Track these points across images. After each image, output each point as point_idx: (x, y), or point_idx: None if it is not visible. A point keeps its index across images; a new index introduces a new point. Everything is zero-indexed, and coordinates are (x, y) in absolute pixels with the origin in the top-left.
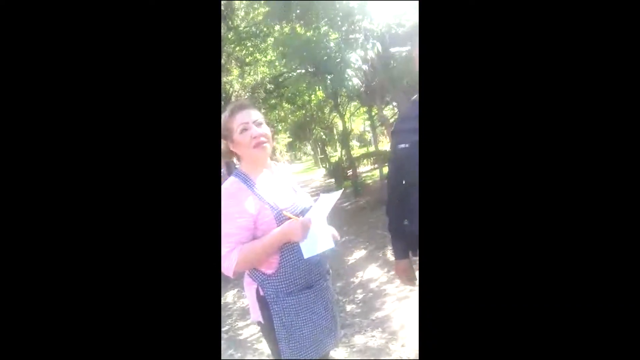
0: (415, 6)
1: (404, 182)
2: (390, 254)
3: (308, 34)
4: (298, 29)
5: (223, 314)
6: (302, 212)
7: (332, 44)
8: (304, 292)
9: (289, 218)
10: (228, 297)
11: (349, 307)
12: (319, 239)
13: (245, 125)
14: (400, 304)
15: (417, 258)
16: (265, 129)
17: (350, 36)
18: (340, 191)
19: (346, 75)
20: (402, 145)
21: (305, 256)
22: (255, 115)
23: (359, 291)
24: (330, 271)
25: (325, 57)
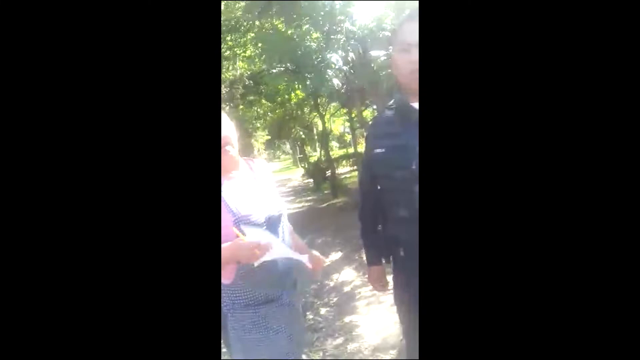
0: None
1: (378, 188)
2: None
3: (289, 31)
4: (279, 26)
5: None
6: (268, 221)
7: (313, 44)
8: (263, 306)
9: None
10: None
11: (323, 310)
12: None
13: None
14: (373, 307)
15: (391, 263)
16: (227, 132)
17: (332, 37)
18: (306, 257)
19: (327, 76)
20: (378, 150)
21: (256, 264)
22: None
23: (333, 294)
24: (298, 288)
25: (306, 56)
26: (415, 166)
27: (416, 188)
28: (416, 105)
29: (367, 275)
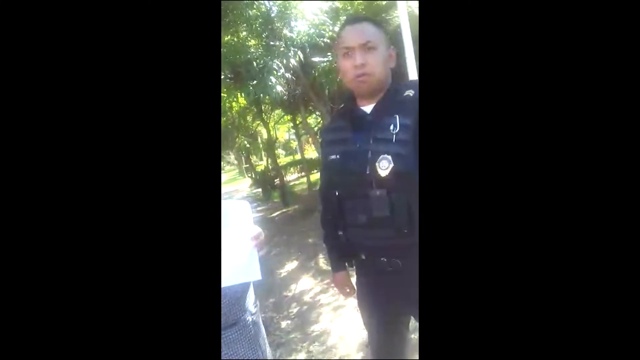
0: (332, 17)
1: (337, 194)
2: (322, 263)
3: (226, 38)
4: None
5: None
6: None
7: (252, 50)
8: (225, 331)
9: None
10: None
11: (283, 324)
12: (239, 265)
13: None
14: (336, 314)
15: (354, 268)
16: None
17: (271, 43)
18: (246, 202)
19: (270, 83)
20: (333, 157)
21: (222, 284)
22: None
23: (293, 305)
24: (258, 303)
25: (248, 63)
26: (369, 171)
27: (372, 193)
28: (366, 108)
29: (326, 281)
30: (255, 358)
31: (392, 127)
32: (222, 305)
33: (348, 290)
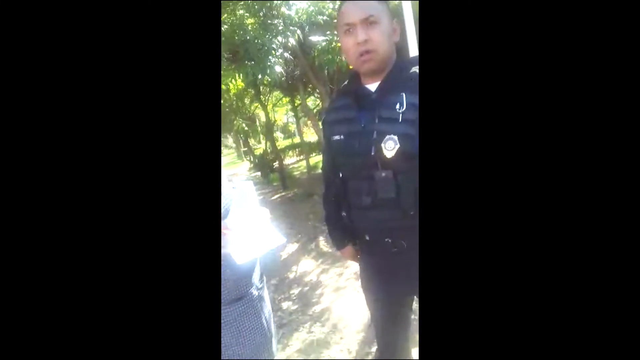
0: None
1: (340, 175)
2: (323, 245)
3: (223, 16)
4: None
5: None
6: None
7: (249, 29)
8: (231, 305)
9: None
10: None
11: (285, 305)
12: (264, 235)
13: None
14: (337, 295)
15: (358, 249)
16: None
17: (269, 21)
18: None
19: (268, 63)
20: (337, 138)
21: (238, 262)
22: None
23: (294, 286)
24: (264, 279)
25: (246, 43)
26: (374, 152)
27: (377, 174)
28: (371, 86)
29: (327, 263)
30: (260, 333)
31: (398, 106)
32: (230, 280)
33: (356, 259)
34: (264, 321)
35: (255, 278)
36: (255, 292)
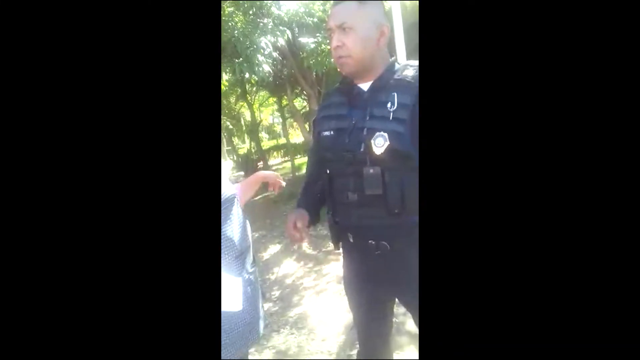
0: None
1: (327, 172)
2: (305, 246)
3: None
4: None
5: None
6: (224, 202)
7: (238, 26)
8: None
9: None
10: None
11: (265, 306)
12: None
13: None
14: (318, 298)
15: (341, 251)
16: None
17: (259, 20)
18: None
19: (257, 61)
20: (326, 133)
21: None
22: None
23: (275, 288)
24: (256, 266)
25: (235, 41)
26: (363, 148)
27: (365, 170)
28: (363, 86)
29: (308, 265)
30: (250, 317)
31: (389, 105)
32: (223, 262)
33: (298, 235)
34: (252, 303)
35: (248, 263)
36: (246, 276)
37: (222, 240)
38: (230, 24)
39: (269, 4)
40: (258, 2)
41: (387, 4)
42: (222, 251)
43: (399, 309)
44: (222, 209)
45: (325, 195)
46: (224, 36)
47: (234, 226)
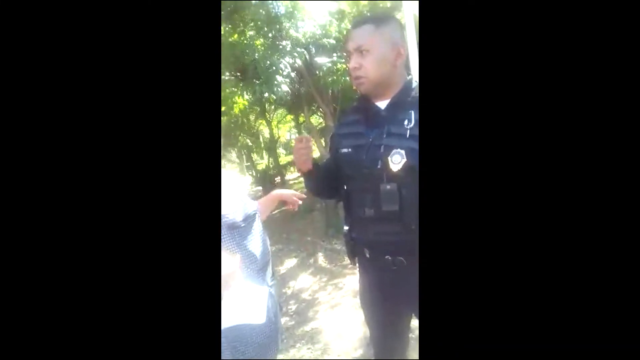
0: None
1: (345, 188)
2: (321, 261)
3: (232, 38)
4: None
5: None
6: (246, 219)
7: (259, 48)
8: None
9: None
10: None
11: (282, 320)
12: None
13: None
14: (334, 312)
15: (357, 266)
16: None
17: (277, 42)
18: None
19: (275, 82)
20: (344, 150)
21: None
22: None
23: (291, 302)
24: (275, 279)
25: (255, 62)
26: (380, 165)
27: (382, 186)
28: (381, 104)
29: (324, 279)
30: (270, 330)
31: (406, 122)
32: (245, 276)
33: (305, 159)
34: (272, 316)
35: (268, 276)
36: (266, 290)
37: (244, 255)
38: (251, 47)
39: (287, 27)
40: (277, 25)
41: (401, 19)
42: (244, 265)
43: (416, 324)
44: (244, 224)
45: (330, 173)
46: (246, 59)
47: (255, 241)
